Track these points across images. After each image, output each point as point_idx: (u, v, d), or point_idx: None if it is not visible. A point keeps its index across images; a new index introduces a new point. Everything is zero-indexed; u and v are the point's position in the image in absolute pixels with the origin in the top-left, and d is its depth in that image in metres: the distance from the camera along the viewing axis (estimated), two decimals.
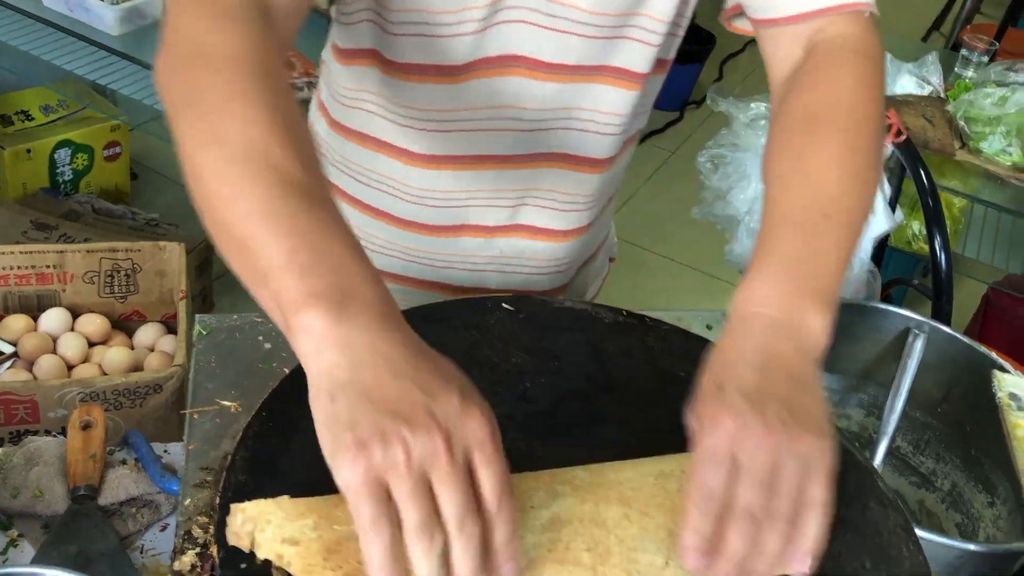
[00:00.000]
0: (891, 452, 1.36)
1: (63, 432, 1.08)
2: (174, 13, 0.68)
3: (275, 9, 0.69)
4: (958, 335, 1.35)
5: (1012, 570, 1.22)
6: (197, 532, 0.70)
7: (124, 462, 0.98)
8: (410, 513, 0.51)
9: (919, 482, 1.41)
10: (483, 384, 0.79)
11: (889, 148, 1.68)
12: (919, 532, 0.75)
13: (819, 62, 0.80)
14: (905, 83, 2.08)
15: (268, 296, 0.56)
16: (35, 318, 1.43)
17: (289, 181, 0.57)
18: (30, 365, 1.36)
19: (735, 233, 1.79)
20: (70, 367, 1.37)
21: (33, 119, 2.41)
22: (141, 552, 0.91)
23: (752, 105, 1.80)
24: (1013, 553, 1.12)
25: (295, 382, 0.77)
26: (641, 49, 0.91)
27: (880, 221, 1.68)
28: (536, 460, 0.73)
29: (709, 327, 0.98)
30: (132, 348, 1.45)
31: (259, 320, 0.89)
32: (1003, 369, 1.26)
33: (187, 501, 0.72)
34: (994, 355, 1.30)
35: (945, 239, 1.54)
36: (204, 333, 0.87)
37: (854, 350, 1.42)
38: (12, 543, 0.88)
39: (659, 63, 0.94)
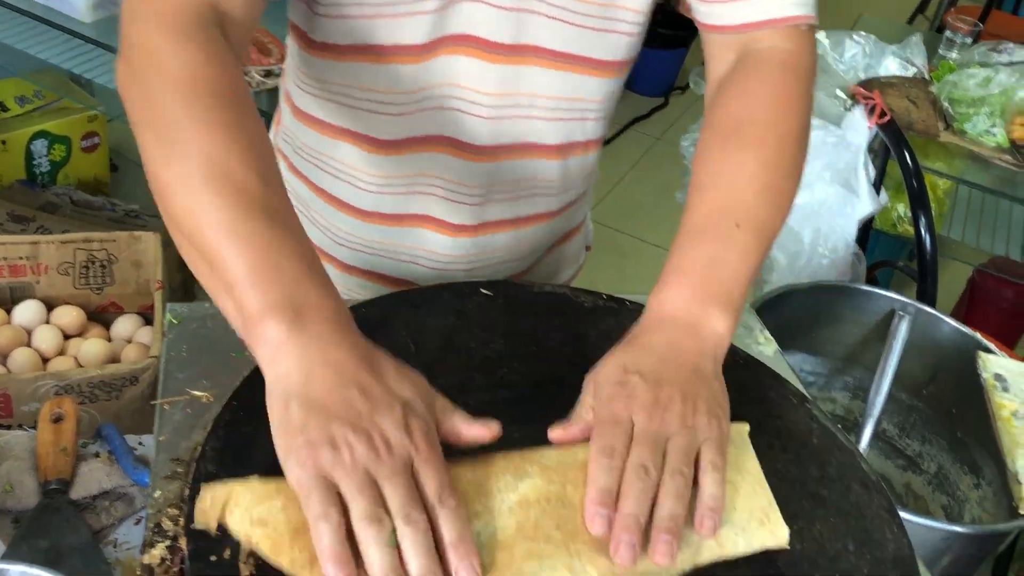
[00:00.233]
0: (877, 435, 1.35)
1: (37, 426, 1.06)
2: (129, 21, 0.69)
3: (229, 20, 0.71)
4: (943, 317, 1.35)
5: (998, 550, 1.21)
6: (167, 525, 0.68)
7: (97, 455, 0.96)
8: (357, 503, 0.55)
9: (905, 465, 1.40)
10: (461, 370, 0.79)
11: (873, 129, 1.68)
12: (905, 515, 0.75)
13: (748, 74, 0.84)
14: (889, 64, 2.07)
15: (231, 306, 0.60)
16: (8, 311, 1.41)
17: (249, 198, 0.61)
18: (4, 359, 1.34)
19: None
20: (45, 360, 1.35)
21: (8, 110, 2.38)
22: (115, 546, 0.89)
23: None
24: (999, 534, 1.11)
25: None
26: (617, 39, 0.91)
27: (865, 203, 1.67)
28: (513, 445, 0.72)
29: None
30: (110, 340, 1.43)
31: None
32: (988, 350, 1.26)
33: (157, 493, 0.70)
34: (979, 336, 1.29)
35: (930, 221, 1.54)
36: (175, 322, 0.85)
37: (839, 333, 1.42)
38: None
39: (627, 59, 0.94)
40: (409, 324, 0.82)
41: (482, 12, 0.85)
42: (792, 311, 1.33)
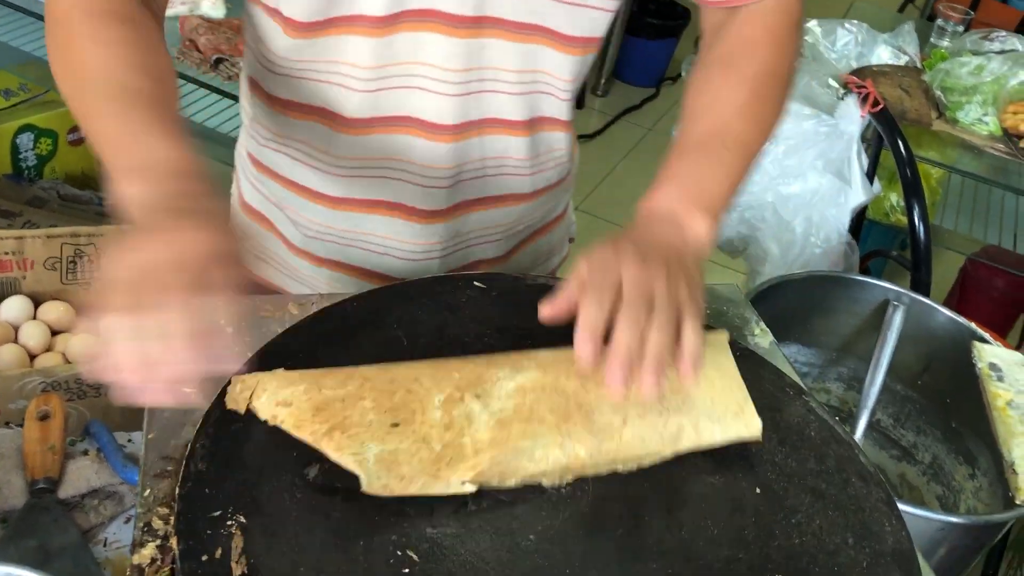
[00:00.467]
0: (872, 426, 1.35)
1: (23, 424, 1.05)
2: None
3: None
4: (937, 307, 1.34)
5: (993, 540, 1.21)
6: (157, 524, 0.67)
7: (86, 453, 0.95)
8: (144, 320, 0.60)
9: (900, 455, 1.40)
10: None
11: (867, 118, 1.67)
12: (901, 506, 0.74)
13: (743, 19, 0.90)
14: (881, 53, 2.06)
15: (107, 166, 0.71)
16: None
17: (132, 90, 0.73)
18: None
19: None
20: (32, 356, 1.33)
21: None
22: (104, 545, 0.88)
23: None
24: (994, 524, 1.11)
25: (257, 367, 0.74)
26: (585, 14, 0.90)
27: (858, 193, 1.67)
28: None
29: None
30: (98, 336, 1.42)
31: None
32: (983, 340, 1.26)
33: (147, 492, 0.69)
34: (974, 326, 1.29)
35: (924, 210, 1.53)
36: None
37: (833, 323, 1.41)
38: None
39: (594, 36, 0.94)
40: (402, 318, 0.81)
41: None
42: (786, 302, 1.32)
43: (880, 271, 2.42)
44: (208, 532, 0.61)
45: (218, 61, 1.97)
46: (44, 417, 0.91)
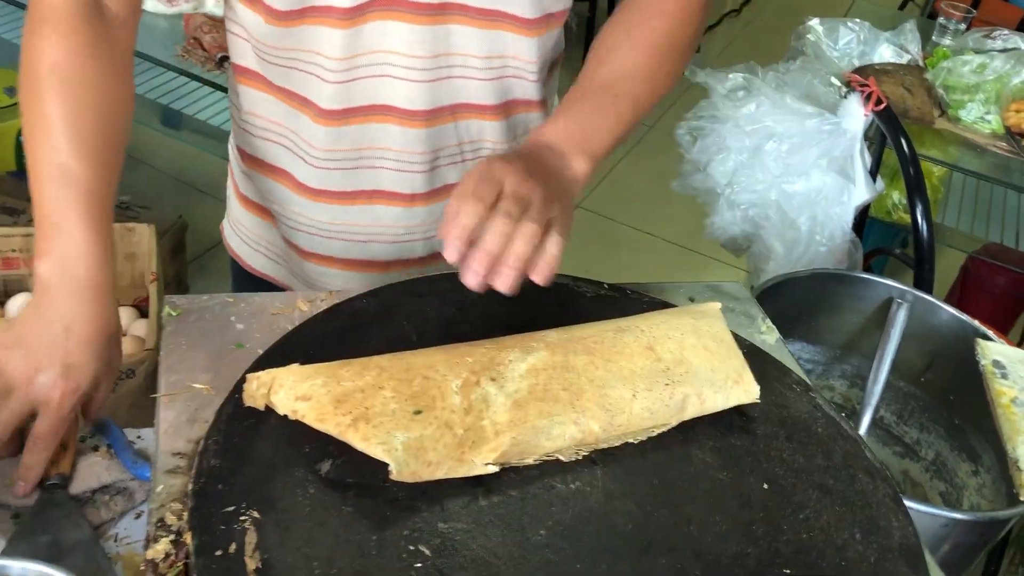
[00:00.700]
0: (875, 423, 1.35)
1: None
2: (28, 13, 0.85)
3: (108, 8, 0.85)
4: (941, 304, 1.35)
5: (997, 537, 1.22)
6: (171, 519, 0.67)
7: (96, 449, 0.95)
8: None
9: (903, 452, 1.41)
10: None
11: (869, 117, 1.67)
12: (906, 502, 0.74)
13: None
14: (883, 51, 2.06)
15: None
16: (2, 304, 1.40)
17: (70, 178, 0.78)
18: None
19: (715, 206, 1.77)
20: None
21: None
22: (115, 541, 0.88)
23: (730, 76, 1.78)
24: (998, 521, 1.12)
25: (269, 364, 0.75)
26: None
27: (861, 191, 1.67)
28: None
29: (692, 299, 0.97)
30: None
31: (231, 300, 0.87)
32: (986, 337, 1.26)
33: (159, 488, 0.69)
34: (977, 324, 1.29)
35: (927, 207, 1.53)
36: (173, 314, 0.85)
37: (836, 321, 1.41)
38: None
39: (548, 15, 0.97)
40: (411, 314, 0.82)
41: None
42: (791, 299, 1.33)
43: (881, 269, 2.42)
44: (222, 527, 0.62)
45: (223, 59, 1.98)
46: None
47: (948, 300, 1.85)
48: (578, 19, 3.49)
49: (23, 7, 1.97)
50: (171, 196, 2.67)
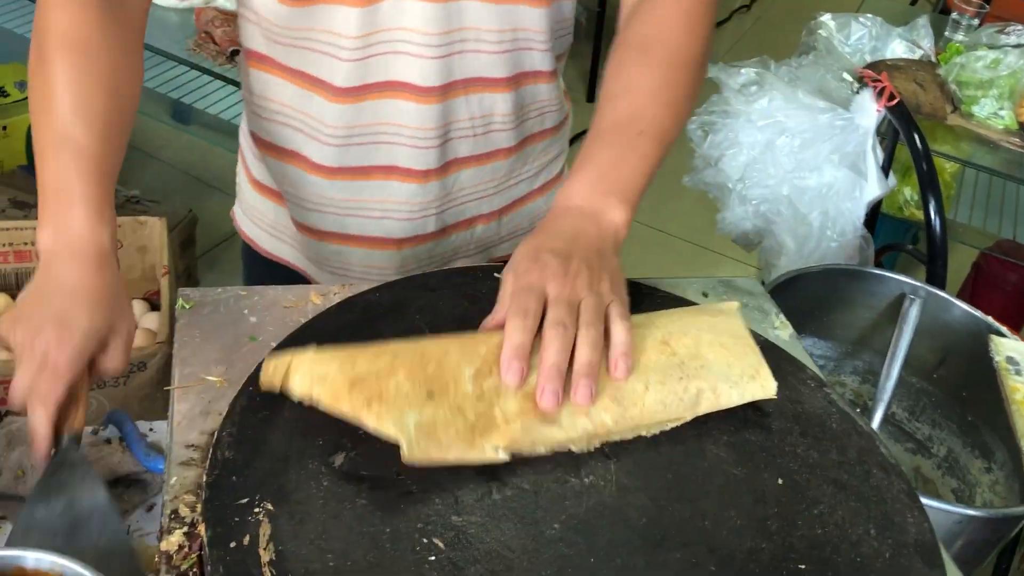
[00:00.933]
0: (886, 419, 1.35)
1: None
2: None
3: None
4: (954, 300, 1.34)
5: (1010, 535, 1.21)
6: (184, 511, 0.67)
7: (108, 441, 0.95)
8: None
9: (915, 448, 1.40)
10: None
11: (882, 112, 1.67)
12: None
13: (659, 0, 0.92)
14: (896, 47, 2.05)
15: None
16: (15, 297, 1.40)
17: (74, 145, 0.79)
18: None
19: (726, 201, 1.77)
20: None
21: (9, 95, 2.37)
22: (129, 533, 0.88)
23: (742, 71, 1.77)
24: (1012, 517, 1.11)
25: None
26: None
27: (873, 186, 1.66)
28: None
29: (705, 295, 0.96)
30: None
31: (244, 293, 0.87)
32: (1000, 333, 1.25)
33: (173, 480, 0.70)
34: (991, 320, 1.29)
35: (940, 203, 1.53)
36: (187, 307, 0.85)
37: (848, 317, 1.41)
38: None
39: None
40: (423, 308, 0.82)
41: None
42: (803, 295, 1.32)
43: (892, 265, 2.41)
44: (236, 519, 0.62)
45: (234, 53, 1.98)
46: None
47: (960, 297, 1.84)
48: (588, 13, 3.48)
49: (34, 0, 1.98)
50: (181, 190, 2.67)
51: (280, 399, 0.70)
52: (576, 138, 1.05)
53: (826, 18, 2.09)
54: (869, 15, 2.12)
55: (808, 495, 0.70)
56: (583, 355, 0.69)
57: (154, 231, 1.45)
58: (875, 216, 1.83)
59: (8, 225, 1.39)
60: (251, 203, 1.14)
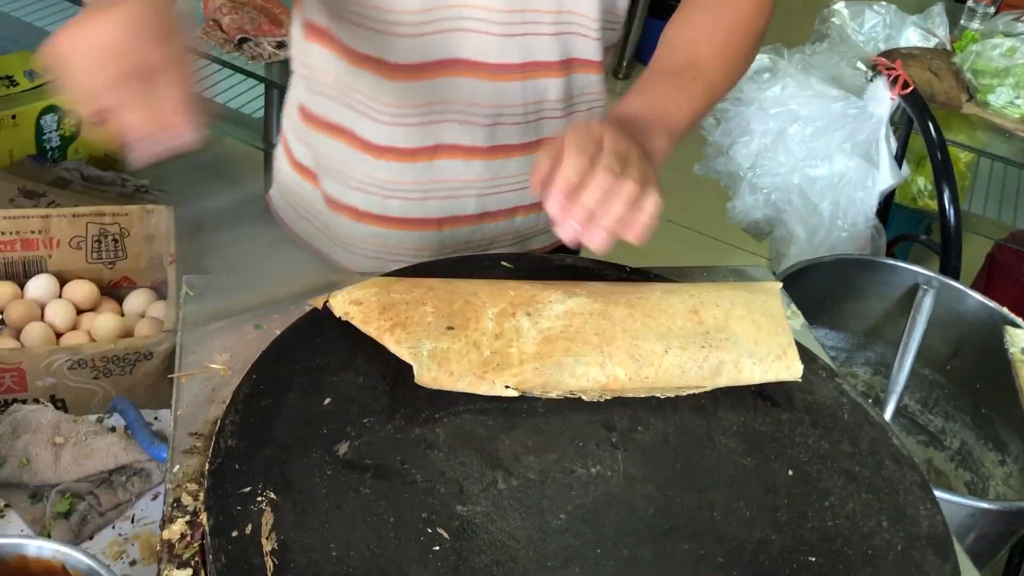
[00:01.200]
0: (899, 411, 1.33)
1: (51, 401, 1.05)
2: None
3: None
4: (968, 291, 1.32)
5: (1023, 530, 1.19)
6: (187, 500, 0.67)
7: (113, 429, 0.95)
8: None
9: (927, 441, 1.38)
10: None
11: (896, 101, 1.64)
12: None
13: None
14: (910, 35, 2.03)
15: None
16: (21, 285, 1.40)
17: None
18: (17, 333, 1.32)
19: (737, 189, 1.75)
20: (58, 335, 1.34)
21: (18, 84, 2.36)
22: (132, 522, 0.88)
23: (756, 58, 1.75)
24: None
25: (286, 343, 0.74)
26: None
27: (886, 176, 1.64)
28: (536, 417, 0.71)
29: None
30: (122, 315, 1.42)
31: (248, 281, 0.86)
32: (1015, 325, 1.24)
33: (176, 468, 0.69)
34: (1005, 311, 1.27)
35: (954, 192, 1.51)
36: (192, 295, 0.84)
37: (861, 307, 1.39)
38: None
39: None
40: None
41: None
42: (815, 285, 1.31)
43: (905, 256, 2.39)
44: (238, 508, 0.61)
45: (242, 41, 1.97)
46: None
47: (974, 288, 1.82)
48: None
49: None
50: (188, 179, 2.67)
51: (283, 387, 0.70)
52: None
53: (840, 6, 2.07)
54: (883, 3, 2.10)
55: (819, 486, 0.69)
56: (615, 207, 0.71)
57: (161, 219, 1.44)
58: (888, 206, 1.81)
59: (16, 214, 1.38)
60: (289, 185, 1.14)
